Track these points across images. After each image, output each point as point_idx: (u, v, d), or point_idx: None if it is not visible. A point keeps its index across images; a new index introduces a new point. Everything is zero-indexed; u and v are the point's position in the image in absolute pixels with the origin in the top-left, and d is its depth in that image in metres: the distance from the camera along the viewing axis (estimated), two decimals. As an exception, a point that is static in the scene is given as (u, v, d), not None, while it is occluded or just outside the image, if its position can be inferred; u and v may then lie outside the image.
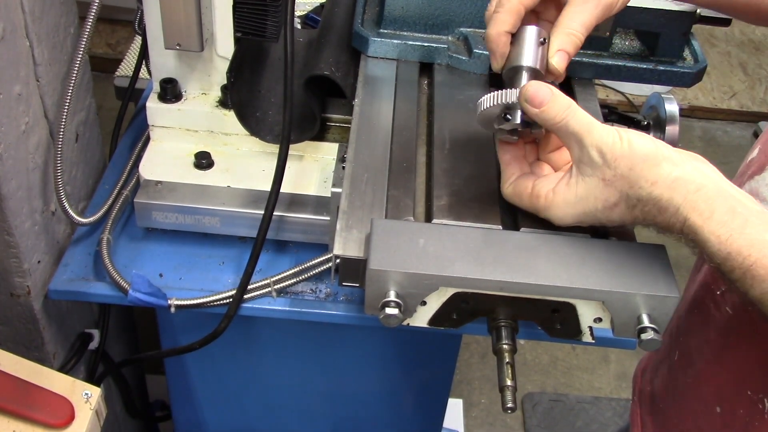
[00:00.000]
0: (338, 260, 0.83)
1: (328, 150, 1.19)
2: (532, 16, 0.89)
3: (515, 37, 0.85)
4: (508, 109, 0.81)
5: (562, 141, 0.79)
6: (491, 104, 0.82)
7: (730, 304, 0.92)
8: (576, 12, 0.83)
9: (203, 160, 1.16)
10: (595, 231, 0.88)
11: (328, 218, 1.07)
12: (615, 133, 0.74)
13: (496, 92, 0.82)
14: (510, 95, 0.81)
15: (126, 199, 1.19)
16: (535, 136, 0.84)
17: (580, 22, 0.83)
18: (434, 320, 0.82)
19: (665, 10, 1.09)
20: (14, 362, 0.98)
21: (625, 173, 0.72)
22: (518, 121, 0.81)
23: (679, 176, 0.71)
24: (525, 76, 0.84)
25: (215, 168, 1.17)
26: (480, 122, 0.86)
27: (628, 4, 0.88)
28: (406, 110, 1.03)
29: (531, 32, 0.84)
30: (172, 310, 1.07)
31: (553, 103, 0.76)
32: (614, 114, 1.14)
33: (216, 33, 1.09)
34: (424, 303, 0.80)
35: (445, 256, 0.79)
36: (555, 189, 0.79)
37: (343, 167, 0.93)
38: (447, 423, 1.64)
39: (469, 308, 0.81)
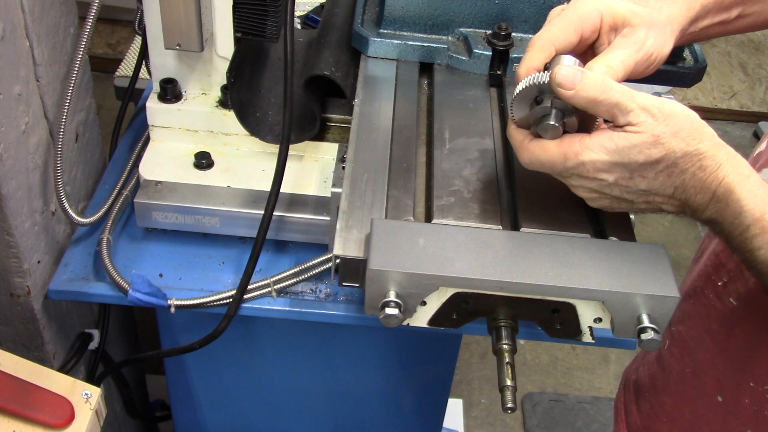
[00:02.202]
0: (338, 260, 0.83)
1: (328, 150, 1.19)
2: None
3: (549, 65, 0.82)
4: (541, 92, 0.79)
5: (604, 115, 0.76)
6: (524, 86, 0.79)
7: (734, 295, 0.91)
8: (617, 50, 0.81)
9: (203, 160, 1.16)
10: (596, 231, 0.88)
11: (328, 218, 1.07)
12: (655, 97, 0.75)
13: (529, 76, 0.80)
14: (543, 77, 0.78)
15: (126, 199, 1.19)
16: (568, 129, 0.80)
17: (619, 59, 0.81)
18: (434, 320, 0.82)
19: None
20: (14, 362, 0.98)
21: (674, 130, 0.73)
22: (549, 104, 0.78)
23: (721, 142, 0.75)
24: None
25: (215, 168, 1.17)
26: (515, 111, 0.82)
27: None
28: (406, 110, 1.03)
29: (566, 59, 0.81)
30: (172, 310, 1.07)
31: (587, 81, 0.74)
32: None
33: (216, 33, 1.09)
34: (424, 303, 0.80)
35: (445, 256, 0.79)
36: (592, 136, 0.76)
37: (343, 167, 0.93)
38: (447, 423, 1.64)
39: (469, 308, 0.81)
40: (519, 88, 0.80)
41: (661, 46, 0.84)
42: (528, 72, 0.82)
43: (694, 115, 0.75)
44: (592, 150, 0.75)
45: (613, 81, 0.75)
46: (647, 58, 0.83)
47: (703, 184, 0.75)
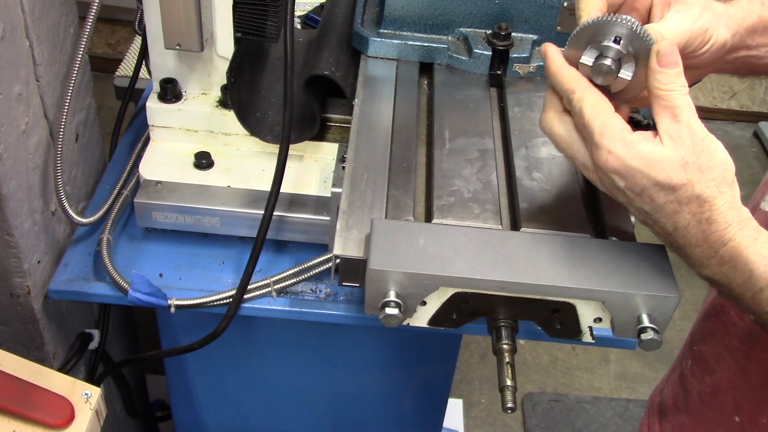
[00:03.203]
0: (338, 260, 0.83)
1: (328, 150, 1.19)
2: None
3: (604, 18, 0.76)
4: (629, 37, 0.74)
5: (654, 107, 0.73)
6: (617, 19, 0.75)
7: None
8: (671, 21, 0.78)
9: (203, 160, 1.16)
10: (596, 231, 0.88)
11: (328, 218, 1.07)
12: (708, 133, 0.72)
13: (614, 14, 0.76)
14: (639, 26, 0.74)
15: (126, 199, 1.19)
16: (613, 84, 0.77)
17: (676, 27, 0.77)
18: (434, 320, 0.82)
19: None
20: (14, 362, 0.98)
21: (703, 167, 0.71)
22: (624, 50, 0.74)
23: (739, 203, 0.72)
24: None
25: (215, 168, 1.17)
26: (573, 40, 0.77)
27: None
28: (406, 110, 1.03)
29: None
30: (172, 310, 1.07)
31: (678, 74, 0.72)
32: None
33: (216, 33, 1.09)
34: (424, 303, 0.80)
35: (445, 256, 0.79)
36: (634, 133, 0.73)
37: (343, 167, 0.93)
38: (447, 423, 1.64)
39: (469, 308, 0.81)
40: (597, 19, 0.76)
41: (716, 27, 0.80)
42: (589, 11, 0.78)
43: (730, 166, 0.72)
44: (626, 146, 0.72)
45: (686, 87, 0.72)
46: (702, 32, 0.79)
47: (707, 240, 0.72)
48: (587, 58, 0.76)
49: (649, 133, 0.73)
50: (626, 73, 0.76)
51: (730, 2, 0.84)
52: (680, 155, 0.71)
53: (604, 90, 0.77)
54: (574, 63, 0.77)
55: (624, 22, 0.74)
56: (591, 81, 0.77)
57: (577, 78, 0.76)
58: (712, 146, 0.71)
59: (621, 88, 0.77)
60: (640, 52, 0.75)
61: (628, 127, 0.73)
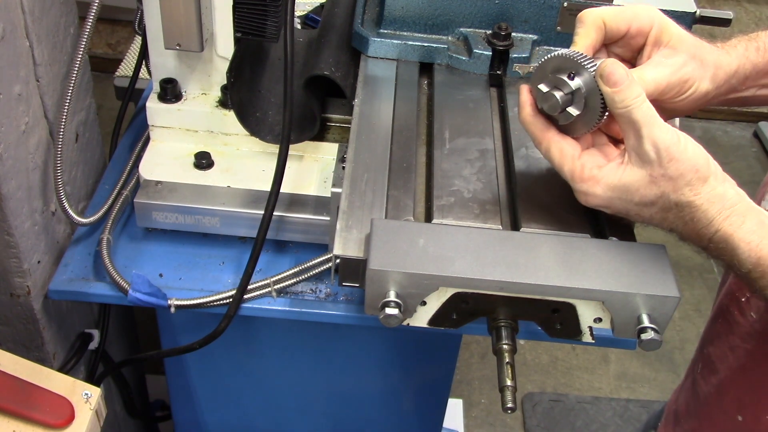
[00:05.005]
0: (338, 260, 0.83)
1: (328, 150, 1.19)
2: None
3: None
4: (576, 73, 0.78)
5: (620, 126, 0.77)
6: (558, 55, 0.79)
7: (755, 309, 0.92)
8: (652, 68, 0.80)
9: (203, 160, 1.16)
10: (596, 231, 0.88)
11: (328, 218, 1.07)
12: (674, 134, 0.73)
13: (571, 50, 0.79)
14: (586, 60, 0.77)
15: (126, 199, 1.19)
16: (559, 117, 0.80)
17: (652, 76, 0.80)
18: (434, 320, 0.82)
19: (664, 10, 1.09)
20: (14, 362, 0.98)
21: (673, 176, 0.73)
22: (579, 86, 0.78)
23: (720, 192, 0.74)
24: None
25: (215, 168, 1.17)
26: (533, 78, 0.81)
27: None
28: (406, 110, 1.03)
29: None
30: (172, 310, 1.07)
31: (627, 88, 0.74)
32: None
33: (216, 33, 1.09)
34: (424, 303, 0.80)
35: (445, 256, 0.79)
36: (602, 167, 0.77)
37: (343, 167, 0.93)
38: (447, 423, 1.64)
39: (469, 308, 0.81)
40: (551, 57, 0.79)
41: (699, 78, 0.82)
42: (584, 44, 0.81)
43: (704, 162, 0.73)
44: (596, 183, 0.77)
45: (647, 101, 0.74)
46: (681, 83, 0.81)
47: (697, 234, 0.76)
48: (544, 86, 0.80)
49: (617, 159, 0.77)
50: (573, 110, 0.79)
51: (725, 47, 0.86)
52: (648, 173, 0.74)
53: (570, 128, 0.81)
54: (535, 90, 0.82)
55: (588, 64, 0.77)
56: (545, 113, 0.81)
57: (542, 128, 0.81)
58: (679, 151, 0.73)
59: (566, 122, 0.80)
60: (591, 95, 0.78)
61: (598, 161, 0.78)
